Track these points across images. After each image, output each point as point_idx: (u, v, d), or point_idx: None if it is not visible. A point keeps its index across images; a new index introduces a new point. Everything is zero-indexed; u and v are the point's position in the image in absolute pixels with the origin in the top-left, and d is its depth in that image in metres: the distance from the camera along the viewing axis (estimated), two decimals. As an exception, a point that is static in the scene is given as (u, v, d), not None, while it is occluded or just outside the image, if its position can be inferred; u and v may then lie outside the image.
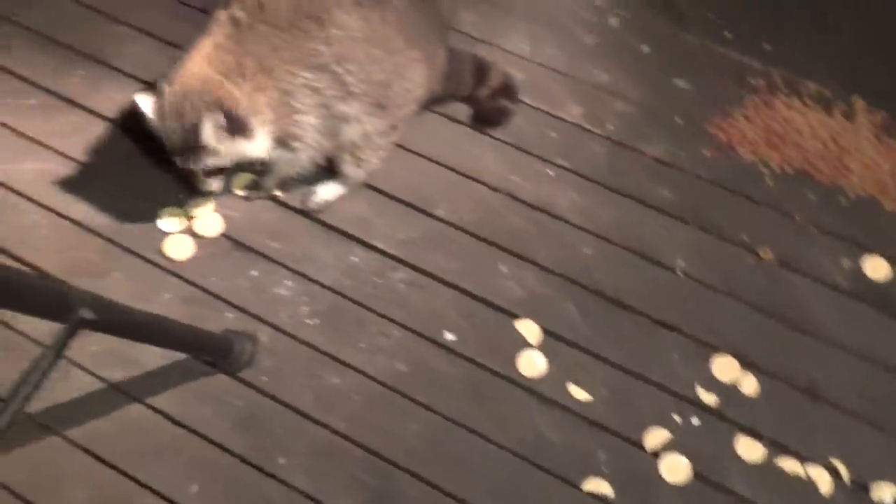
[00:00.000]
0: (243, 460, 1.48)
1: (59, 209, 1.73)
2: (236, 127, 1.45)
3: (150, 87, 1.58)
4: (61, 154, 1.79)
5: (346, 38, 1.48)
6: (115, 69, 1.89)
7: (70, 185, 1.76)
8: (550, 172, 1.78)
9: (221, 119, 1.43)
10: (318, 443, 1.50)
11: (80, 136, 1.81)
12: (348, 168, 1.68)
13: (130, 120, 1.79)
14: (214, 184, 1.60)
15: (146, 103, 1.50)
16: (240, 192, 1.74)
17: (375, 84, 1.54)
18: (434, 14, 1.70)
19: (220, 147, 1.47)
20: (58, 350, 1.04)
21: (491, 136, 1.81)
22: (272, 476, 1.47)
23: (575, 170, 1.78)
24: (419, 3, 1.61)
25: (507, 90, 1.84)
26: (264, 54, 1.46)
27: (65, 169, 1.77)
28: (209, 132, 1.44)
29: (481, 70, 1.80)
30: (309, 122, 1.54)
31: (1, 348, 1.57)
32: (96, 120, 1.82)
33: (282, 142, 1.56)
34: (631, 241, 1.69)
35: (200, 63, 1.47)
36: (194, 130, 1.44)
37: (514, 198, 1.75)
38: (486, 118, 1.84)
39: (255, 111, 1.47)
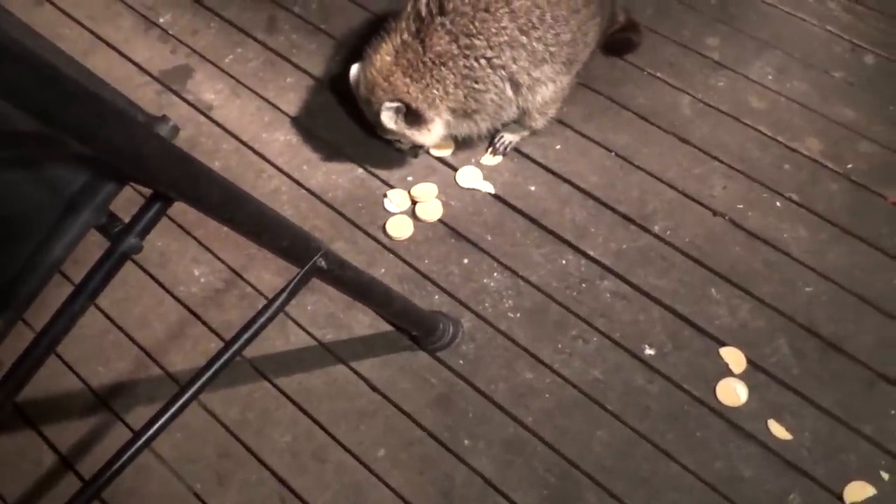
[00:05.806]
0: (431, 435, 1.53)
1: (299, 179, 1.87)
2: (413, 119, 1.70)
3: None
4: (308, 130, 1.95)
5: (532, 5, 1.60)
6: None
7: (312, 158, 1.90)
8: (779, 205, 1.71)
9: (400, 110, 1.68)
10: (505, 432, 1.52)
11: (327, 116, 1.96)
12: (535, 123, 1.81)
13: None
14: (405, 149, 1.84)
15: (353, 74, 1.78)
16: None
17: (564, 44, 1.67)
18: None
19: (400, 132, 1.73)
20: (292, 292, 1.12)
21: (720, 162, 1.78)
22: (456, 455, 1.50)
23: (806, 205, 1.70)
24: None
25: (632, 25, 1.98)
26: (444, 48, 1.62)
27: (310, 143, 1.93)
28: (388, 118, 1.69)
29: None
30: (490, 98, 1.70)
31: (238, 297, 1.72)
32: (344, 102, 1.97)
33: (465, 116, 1.72)
34: (858, 286, 1.60)
35: (388, 56, 1.68)
36: (378, 114, 1.70)
37: (737, 225, 1.70)
38: (616, 49, 1.99)
39: (431, 104, 1.68)
